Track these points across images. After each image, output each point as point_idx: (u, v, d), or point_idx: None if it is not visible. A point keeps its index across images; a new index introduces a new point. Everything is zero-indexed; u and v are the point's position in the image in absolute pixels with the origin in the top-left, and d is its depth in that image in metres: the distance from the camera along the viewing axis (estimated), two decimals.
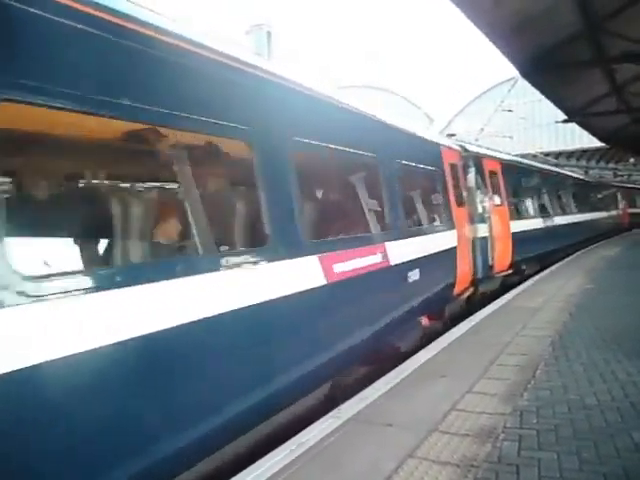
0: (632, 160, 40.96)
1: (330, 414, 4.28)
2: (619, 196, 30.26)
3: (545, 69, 13.27)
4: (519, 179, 13.82)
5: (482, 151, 11.69)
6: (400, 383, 4.97)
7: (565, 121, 19.97)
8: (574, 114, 18.79)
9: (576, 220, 18.79)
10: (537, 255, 13.58)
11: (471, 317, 8.03)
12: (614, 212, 28.05)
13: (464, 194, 9.28)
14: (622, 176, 41.28)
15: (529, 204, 14.36)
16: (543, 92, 15.88)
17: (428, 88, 66.47)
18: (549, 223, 15.15)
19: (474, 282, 9.37)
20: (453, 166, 8.91)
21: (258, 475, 3.27)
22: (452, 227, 8.23)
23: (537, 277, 12.34)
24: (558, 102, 17.35)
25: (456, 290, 8.34)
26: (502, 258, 10.76)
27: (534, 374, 4.98)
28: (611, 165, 44.82)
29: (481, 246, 9.69)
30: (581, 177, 24.29)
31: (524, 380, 4.82)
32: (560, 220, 16.41)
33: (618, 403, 4.15)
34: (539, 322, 7.28)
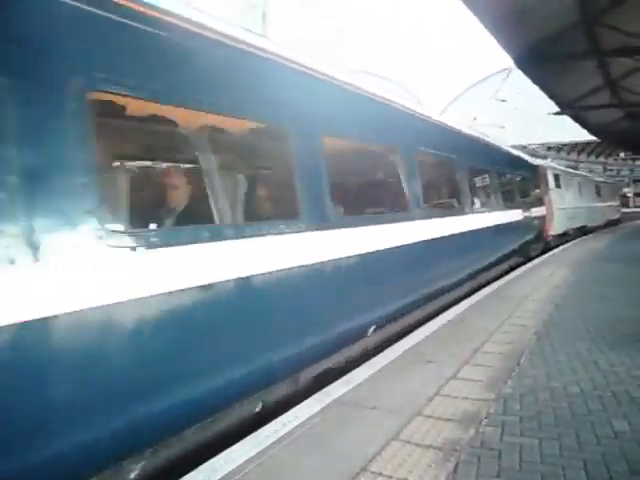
0: (622, 155, 41.21)
1: (314, 396, 4.27)
2: None
3: (540, 59, 13.28)
4: (567, 179, 21.49)
5: (547, 164, 19.69)
6: (385, 367, 4.97)
7: (557, 113, 20.02)
8: (567, 106, 18.83)
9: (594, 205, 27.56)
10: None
11: (457, 305, 8.05)
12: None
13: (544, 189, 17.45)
14: (611, 170, 41.55)
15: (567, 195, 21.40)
16: (537, 83, 15.87)
17: (420, 75, 65.63)
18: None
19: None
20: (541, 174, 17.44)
21: (240, 455, 3.24)
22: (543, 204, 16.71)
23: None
24: (551, 94, 17.37)
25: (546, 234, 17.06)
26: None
27: (518, 362, 5.02)
28: (601, 159, 45.00)
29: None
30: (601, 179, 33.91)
31: (508, 368, 4.85)
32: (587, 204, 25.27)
33: (600, 392, 4.19)
34: (525, 312, 7.32)
